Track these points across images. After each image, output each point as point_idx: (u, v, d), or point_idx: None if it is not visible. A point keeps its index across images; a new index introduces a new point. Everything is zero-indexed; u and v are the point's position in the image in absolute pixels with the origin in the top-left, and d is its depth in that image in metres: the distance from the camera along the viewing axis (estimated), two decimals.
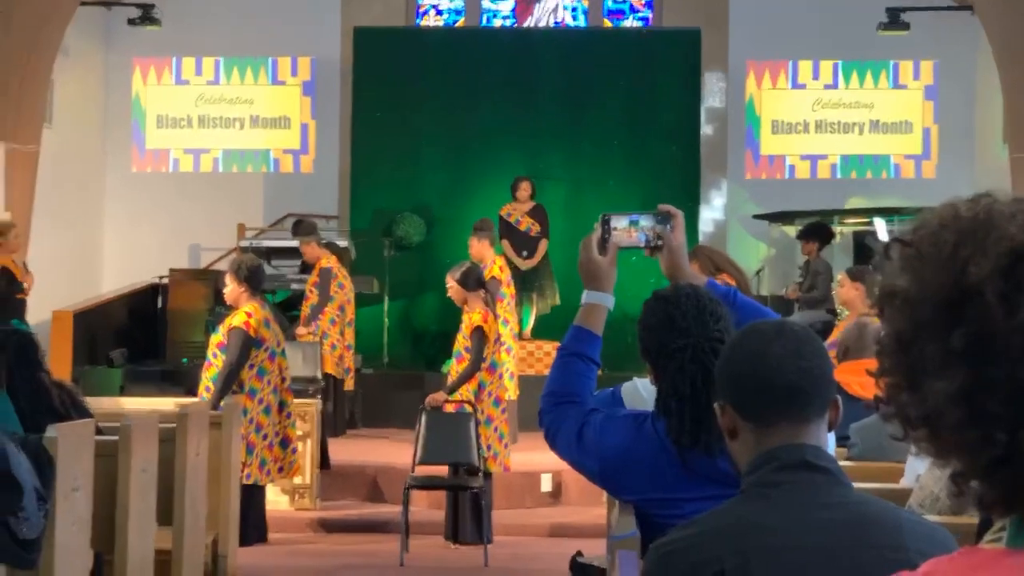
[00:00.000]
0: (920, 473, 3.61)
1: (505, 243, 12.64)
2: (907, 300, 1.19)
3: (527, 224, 12.95)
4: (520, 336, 12.26)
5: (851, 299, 8.00)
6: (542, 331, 13.26)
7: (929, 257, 1.18)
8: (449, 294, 8.56)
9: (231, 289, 8.30)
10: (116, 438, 5.44)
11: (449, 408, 8.34)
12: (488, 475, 8.31)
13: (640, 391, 6.39)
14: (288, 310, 13.16)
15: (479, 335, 8.27)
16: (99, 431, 5.36)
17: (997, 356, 1.12)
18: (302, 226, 12.67)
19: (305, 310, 11.50)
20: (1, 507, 4.28)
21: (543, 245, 12.98)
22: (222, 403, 7.56)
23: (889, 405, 1.22)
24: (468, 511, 8.33)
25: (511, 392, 10.66)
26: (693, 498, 2.75)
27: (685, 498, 2.79)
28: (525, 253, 12.80)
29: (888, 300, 1.22)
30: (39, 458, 4.56)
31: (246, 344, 8.08)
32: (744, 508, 1.97)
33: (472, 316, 8.34)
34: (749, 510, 1.95)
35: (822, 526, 1.91)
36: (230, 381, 8.04)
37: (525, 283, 12.60)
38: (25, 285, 11.64)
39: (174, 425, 6.22)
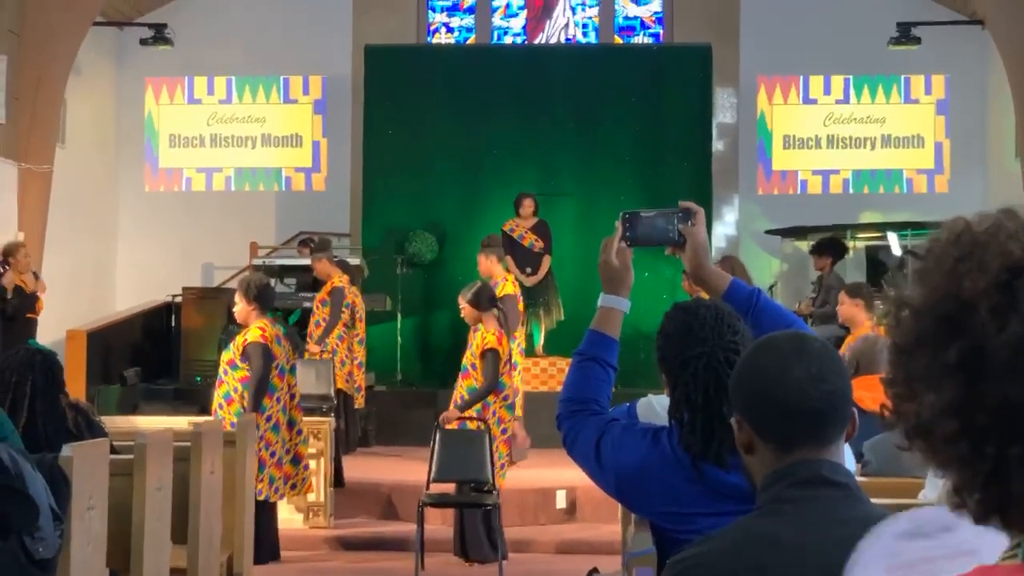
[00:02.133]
0: (940, 486, 3.60)
1: (509, 259, 12.65)
2: (912, 311, 1.21)
3: (530, 240, 12.96)
4: (533, 353, 12.25)
5: (852, 315, 8.02)
6: (550, 347, 13.27)
7: (935, 270, 1.20)
8: (463, 315, 8.55)
9: (241, 308, 8.33)
10: (131, 457, 5.44)
11: (453, 425, 8.33)
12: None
13: (655, 407, 6.39)
14: (302, 329, 13.19)
15: (494, 357, 8.25)
16: (114, 450, 5.37)
17: (988, 371, 1.13)
18: (316, 242, 12.71)
19: (311, 328, 11.52)
20: (17, 526, 4.29)
21: (546, 261, 12.99)
22: (234, 421, 7.60)
23: (894, 415, 1.24)
24: (480, 528, 8.32)
25: (517, 410, 10.69)
26: (709, 513, 2.74)
27: (701, 513, 2.78)
28: (529, 270, 12.81)
29: (897, 311, 1.24)
30: (54, 477, 4.56)
31: (267, 354, 8.12)
32: (760, 524, 1.96)
33: (487, 337, 8.31)
34: (765, 526, 1.95)
35: (839, 542, 1.89)
36: (262, 388, 8.09)
37: (530, 300, 12.60)
38: (39, 293, 11.73)
39: (188, 444, 6.23)
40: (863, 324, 7.88)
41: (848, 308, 8.00)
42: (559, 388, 12.17)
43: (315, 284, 12.88)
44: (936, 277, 1.19)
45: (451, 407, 8.42)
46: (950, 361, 1.15)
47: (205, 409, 10.29)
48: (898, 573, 1.26)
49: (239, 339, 8.29)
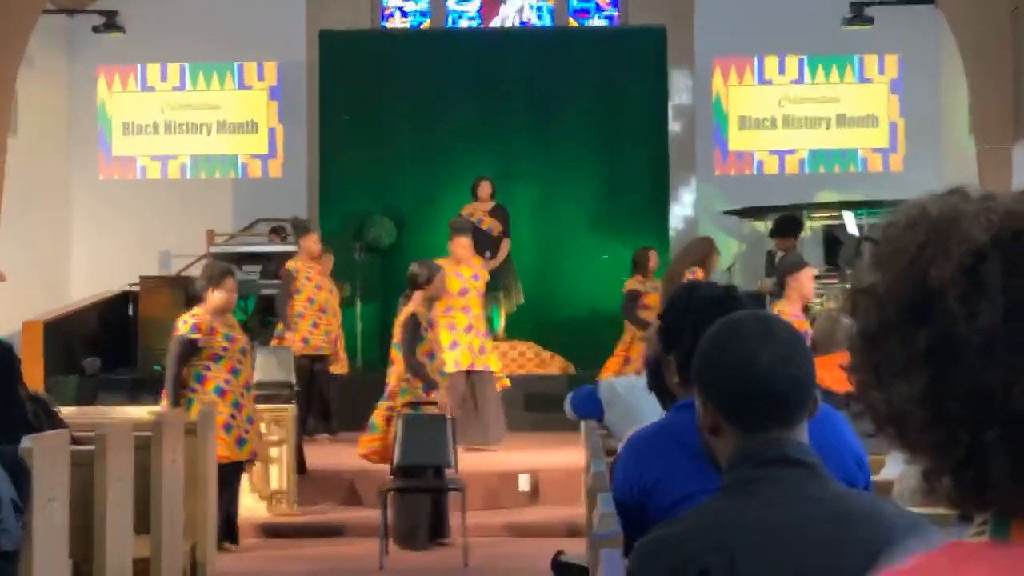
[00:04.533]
0: (902, 464, 3.64)
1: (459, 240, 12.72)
2: (875, 299, 1.20)
3: (488, 224, 12.97)
4: (494, 337, 12.26)
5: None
6: (511, 331, 13.29)
7: (895, 257, 1.19)
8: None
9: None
10: (92, 448, 5.42)
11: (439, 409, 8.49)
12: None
13: (616, 388, 6.45)
14: (266, 316, 13.21)
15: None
16: (74, 441, 5.34)
17: (959, 359, 1.13)
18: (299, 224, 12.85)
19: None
20: None
21: (505, 245, 13.01)
22: (194, 412, 7.61)
23: (860, 402, 1.23)
24: (426, 512, 8.43)
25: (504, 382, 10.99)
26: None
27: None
28: (488, 254, 12.81)
29: (857, 297, 1.23)
30: (15, 469, 4.54)
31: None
32: (726, 503, 1.97)
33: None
34: (731, 505, 1.96)
35: (805, 520, 1.91)
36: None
37: (490, 284, 12.59)
38: None
39: (149, 433, 6.20)
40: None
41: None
42: (520, 371, 12.37)
43: (276, 273, 12.91)
44: (897, 264, 1.19)
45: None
46: (919, 349, 1.15)
47: None
48: None
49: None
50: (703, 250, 10.54)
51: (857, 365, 1.22)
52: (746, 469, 1.99)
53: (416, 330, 8.63)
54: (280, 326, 11.72)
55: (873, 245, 1.24)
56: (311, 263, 11.91)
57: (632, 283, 12.02)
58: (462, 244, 11.01)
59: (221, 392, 8.08)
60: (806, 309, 8.70)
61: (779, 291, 8.02)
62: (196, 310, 8.23)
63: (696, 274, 9.86)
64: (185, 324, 8.16)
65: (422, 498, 8.37)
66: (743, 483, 1.98)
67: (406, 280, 9.02)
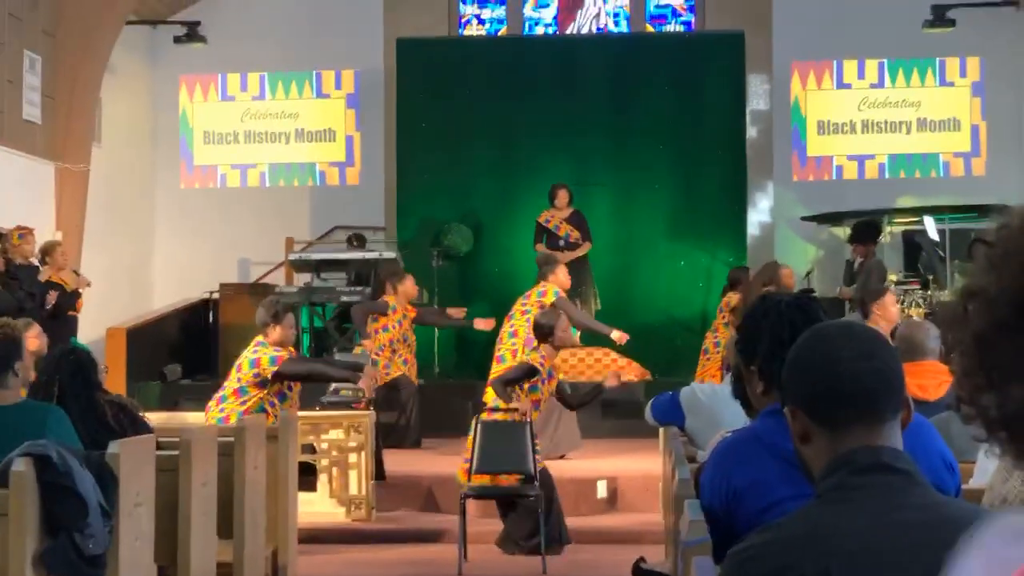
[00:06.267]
0: (990, 472, 3.57)
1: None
2: (987, 300, 1.18)
3: (566, 231, 12.98)
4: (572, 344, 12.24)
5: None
6: (587, 338, 13.24)
7: (1009, 258, 1.17)
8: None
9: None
10: (176, 453, 5.47)
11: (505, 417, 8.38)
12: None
13: (698, 395, 6.41)
14: (342, 323, 13.30)
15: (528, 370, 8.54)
16: (158, 446, 5.40)
17: None
18: (385, 269, 12.69)
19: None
20: (67, 524, 4.32)
21: (584, 248, 13.01)
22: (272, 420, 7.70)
23: (971, 406, 1.21)
24: (525, 519, 8.35)
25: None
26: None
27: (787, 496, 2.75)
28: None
29: (969, 300, 1.21)
30: (102, 474, 4.60)
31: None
32: (822, 513, 1.95)
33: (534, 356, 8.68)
34: (827, 515, 1.93)
35: (902, 529, 1.88)
36: None
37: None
38: (80, 288, 11.81)
39: (232, 439, 6.26)
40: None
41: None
42: (596, 378, 12.33)
43: (359, 278, 12.98)
44: (1012, 265, 1.17)
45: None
46: None
47: None
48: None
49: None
50: (770, 271, 10.96)
51: (968, 368, 1.20)
52: (841, 476, 1.96)
53: (529, 376, 8.59)
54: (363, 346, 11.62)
55: (985, 247, 1.22)
56: (408, 305, 11.95)
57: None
58: (564, 271, 11.14)
59: None
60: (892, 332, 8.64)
61: (863, 317, 7.97)
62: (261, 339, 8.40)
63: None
64: (269, 359, 8.30)
65: (526, 505, 8.34)
66: (838, 491, 1.95)
67: (534, 331, 8.87)
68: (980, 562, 1.14)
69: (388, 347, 11.69)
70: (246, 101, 16.26)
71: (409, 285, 11.91)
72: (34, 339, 7.23)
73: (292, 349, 8.64)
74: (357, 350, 11.52)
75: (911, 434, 2.20)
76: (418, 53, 14.77)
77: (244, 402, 8.22)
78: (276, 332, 8.39)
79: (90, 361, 5.63)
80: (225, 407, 8.23)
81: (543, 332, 8.65)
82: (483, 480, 8.20)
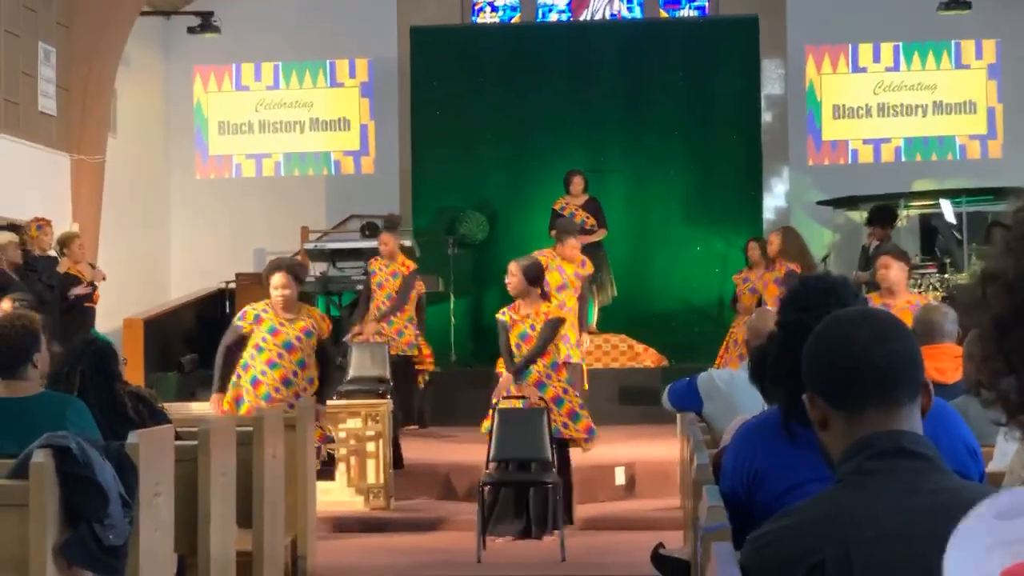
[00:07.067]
0: (1010, 456, 3.56)
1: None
2: (1007, 284, 1.17)
3: (581, 217, 12.96)
4: (588, 330, 12.22)
5: (900, 279, 7.91)
6: (604, 324, 13.23)
7: None
8: (509, 281, 8.64)
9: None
10: (195, 443, 5.49)
11: (516, 404, 8.38)
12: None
13: (715, 380, 6.41)
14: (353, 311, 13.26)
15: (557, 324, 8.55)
16: (177, 436, 5.42)
17: None
18: (387, 218, 12.47)
19: (380, 301, 11.31)
20: (87, 514, 4.34)
21: (600, 234, 12.97)
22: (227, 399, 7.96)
23: (990, 390, 1.20)
24: (541, 504, 8.38)
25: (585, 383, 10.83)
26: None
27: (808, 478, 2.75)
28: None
29: (988, 284, 1.20)
30: (122, 464, 4.61)
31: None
32: (841, 497, 1.94)
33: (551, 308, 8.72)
34: (846, 499, 1.93)
35: (922, 514, 1.88)
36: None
37: None
38: (97, 281, 11.83)
39: (250, 429, 6.28)
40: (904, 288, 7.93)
41: (897, 272, 7.89)
42: (613, 364, 12.26)
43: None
44: None
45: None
46: None
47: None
48: (999, 551, 1.24)
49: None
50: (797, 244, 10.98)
51: (988, 352, 1.19)
52: (860, 461, 1.96)
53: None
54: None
55: (1003, 230, 1.21)
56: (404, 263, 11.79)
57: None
58: (573, 246, 10.97)
59: (255, 382, 8.16)
60: None
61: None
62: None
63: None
64: (244, 313, 8.36)
65: (534, 491, 8.37)
66: (858, 475, 1.95)
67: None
68: (974, 532, 1.15)
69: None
70: (260, 91, 16.27)
71: (386, 238, 11.61)
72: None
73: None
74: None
75: (934, 420, 2.20)
76: (431, 41, 14.76)
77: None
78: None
79: (111, 352, 5.65)
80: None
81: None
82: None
